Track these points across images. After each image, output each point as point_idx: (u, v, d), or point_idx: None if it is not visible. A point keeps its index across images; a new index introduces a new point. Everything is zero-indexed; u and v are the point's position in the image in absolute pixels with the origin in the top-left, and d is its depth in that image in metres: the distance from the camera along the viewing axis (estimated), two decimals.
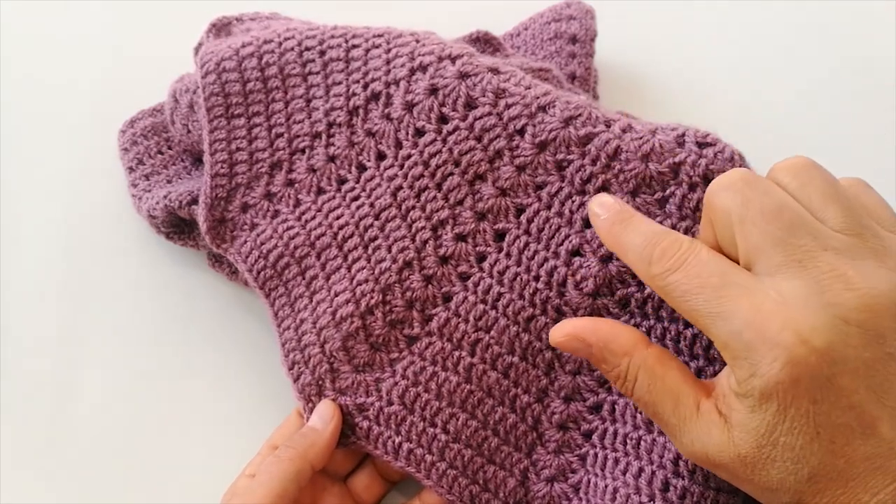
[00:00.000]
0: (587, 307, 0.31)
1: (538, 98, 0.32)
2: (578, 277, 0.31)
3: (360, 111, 0.35)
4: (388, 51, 0.35)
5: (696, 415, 0.24)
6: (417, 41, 0.34)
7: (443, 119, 0.33)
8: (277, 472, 0.30)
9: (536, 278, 0.32)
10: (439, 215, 0.33)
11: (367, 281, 0.33)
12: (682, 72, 0.46)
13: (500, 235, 0.33)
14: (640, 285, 0.30)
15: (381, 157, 0.34)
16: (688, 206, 0.30)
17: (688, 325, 0.30)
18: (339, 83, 0.35)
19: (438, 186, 0.33)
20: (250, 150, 0.36)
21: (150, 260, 0.40)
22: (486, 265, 0.33)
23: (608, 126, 0.32)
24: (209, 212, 0.36)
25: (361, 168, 0.35)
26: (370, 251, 0.34)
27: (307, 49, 0.36)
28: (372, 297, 0.33)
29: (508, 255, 0.32)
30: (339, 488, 0.34)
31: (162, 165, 0.41)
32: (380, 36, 0.35)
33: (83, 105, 0.44)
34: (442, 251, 0.33)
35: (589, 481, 0.31)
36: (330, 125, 0.35)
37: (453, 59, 0.33)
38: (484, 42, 0.41)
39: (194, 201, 0.37)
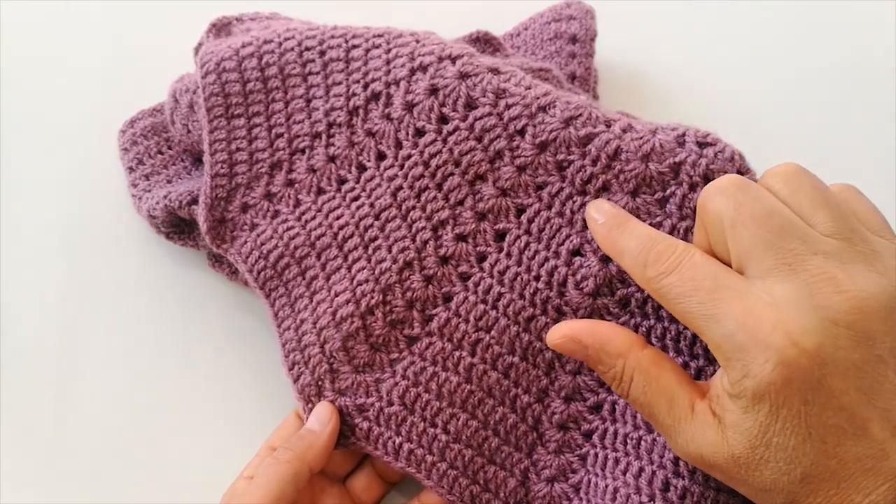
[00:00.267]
0: (587, 307, 0.31)
1: (538, 98, 0.32)
2: (579, 277, 0.31)
3: (360, 111, 0.35)
4: (389, 51, 0.35)
5: (690, 416, 0.24)
6: (417, 41, 0.34)
7: (443, 119, 0.33)
8: (275, 474, 0.30)
9: (537, 278, 0.32)
10: (440, 215, 0.33)
11: (367, 281, 0.33)
12: (682, 72, 0.46)
13: (500, 235, 0.33)
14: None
15: (381, 157, 0.34)
16: (688, 206, 0.30)
17: None
18: (339, 83, 0.35)
19: (439, 186, 0.33)
20: (250, 151, 0.36)
21: (150, 260, 0.40)
22: (486, 265, 0.33)
23: (608, 126, 0.32)
24: (209, 212, 0.36)
25: (361, 168, 0.35)
26: (370, 251, 0.34)
27: (307, 49, 0.36)
28: (372, 298, 0.33)
29: (509, 255, 0.32)
30: (338, 489, 0.34)
31: (162, 165, 0.41)
32: (380, 36, 0.35)
33: (83, 105, 0.44)
34: (442, 251, 0.33)
35: (589, 481, 0.31)
36: (330, 125, 0.35)
37: (453, 60, 0.33)
38: (484, 42, 0.41)
39: (194, 201, 0.37)
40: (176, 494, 0.36)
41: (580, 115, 0.32)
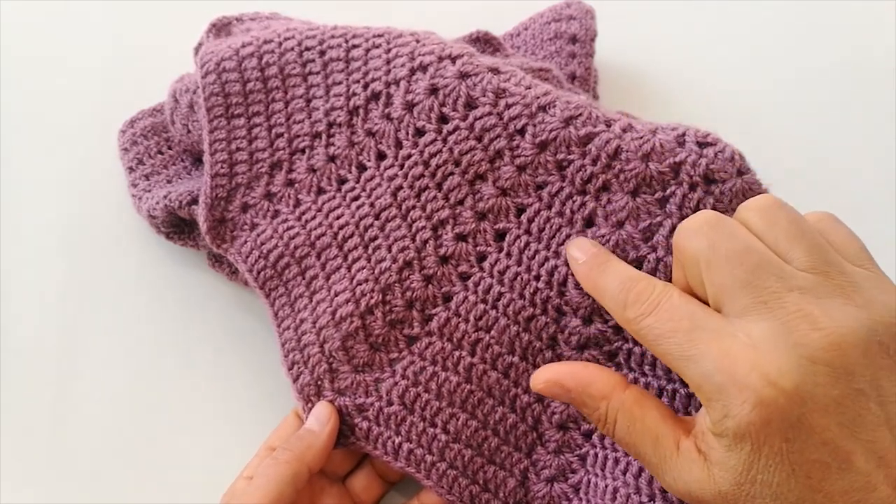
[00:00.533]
0: (587, 307, 0.31)
1: (538, 98, 0.32)
2: None
3: (361, 111, 0.35)
4: (389, 51, 0.35)
5: (676, 454, 0.25)
6: (417, 41, 0.34)
7: (443, 119, 0.33)
8: (274, 474, 0.30)
9: (537, 278, 0.32)
10: (440, 215, 0.33)
11: (366, 281, 0.33)
12: (682, 72, 0.46)
13: (500, 235, 0.33)
14: None
15: (381, 156, 0.34)
16: (688, 206, 0.30)
17: None
18: (340, 83, 0.35)
19: (439, 186, 0.33)
20: (250, 150, 0.36)
21: (150, 260, 0.41)
22: (486, 265, 0.33)
23: (608, 126, 0.32)
24: (209, 212, 0.36)
25: (361, 168, 0.35)
26: (370, 251, 0.34)
27: (307, 49, 0.36)
28: (372, 297, 0.33)
29: (509, 255, 0.32)
30: (338, 489, 0.34)
31: (162, 165, 0.41)
32: (380, 36, 0.35)
33: (83, 105, 0.44)
34: (442, 251, 0.33)
35: (589, 481, 0.31)
36: (330, 125, 0.35)
37: (453, 59, 0.33)
38: (484, 42, 0.41)
39: (194, 201, 0.37)
40: (176, 494, 0.36)
41: (580, 114, 0.32)
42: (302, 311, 0.34)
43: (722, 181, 0.30)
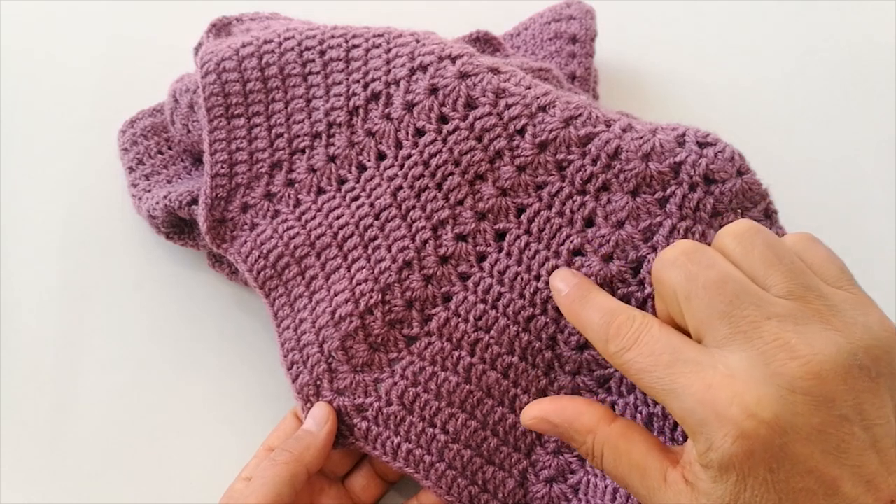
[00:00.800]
0: None
1: (538, 98, 0.32)
2: None
3: (361, 111, 0.35)
4: (389, 51, 0.35)
5: (663, 485, 0.25)
6: (417, 41, 0.34)
7: (443, 119, 0.33)
8: (272, 475, 0.30)
9: (537, 278, 0.32)
10: (439, 215, 0.33)
11: (366, 280, 0.33)
12: (682, 72, 0.46)
13: (500, 235, 0.33)
14: (640, 284, 0.30)
15: (381, 156, 0.34)
16: (688, 206, 0.30)
17: None
18: (340, 83, 0.35)
19: (439, 186, 0.33)
20: (250, 150, 0.36)
21: (150, 260, 0.41)
22: (486, 265, 0.33)
23: (608, 126, 0.32)
24: (209, 212, 0.36)
25: (361, 168, 0.35)
26: (370, 251, 0.34)
27: (307, 49, 0.36)
28: (371, 297, 0.33)
29: (509, 255, 0.32)
30: (337, 489, 0.34)
31: (162, 165, 0.41)
32: (380, 36, 0.35)
33: (83, 105, 0.44)
34: (442, 251, 0.33)
35: (588, 482, 0.31)
36: (330, 125, 0.35)
37: (453, 59, 0.33)
38: (484, 42, 0.41)
39: (194, 201, 0.37)
40: (175, 494, 0.36)
41: (580, 114, 0.32)
42: (302, 310, 0.34)
43: (722, 181, 0.30)
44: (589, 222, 0.32)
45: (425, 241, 0.33)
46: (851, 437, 0.22)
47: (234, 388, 0.38)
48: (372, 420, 0.32)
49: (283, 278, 0.35)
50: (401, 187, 0.34)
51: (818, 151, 0.44)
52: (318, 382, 0.33)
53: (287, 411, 0.36)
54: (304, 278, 0.35)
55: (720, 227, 0.30)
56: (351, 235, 0.34)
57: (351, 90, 0.35)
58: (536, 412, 0.28)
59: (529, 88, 0.33)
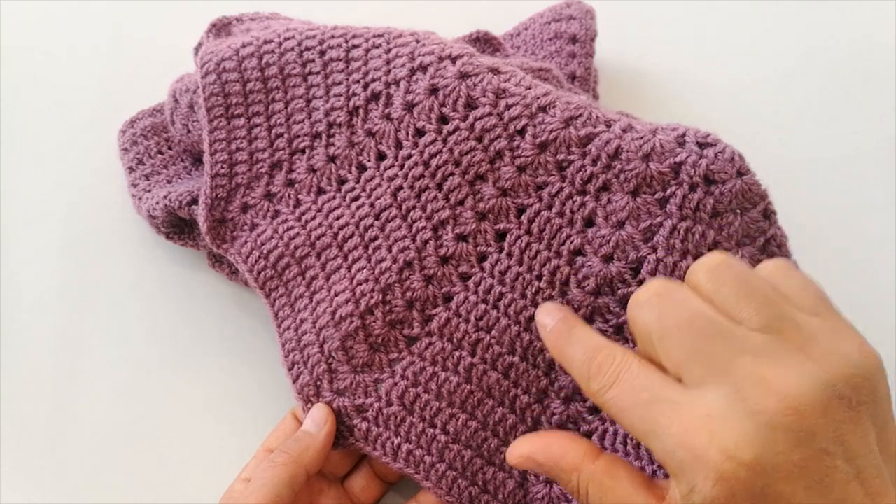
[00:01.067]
0: (589, 305, 0.31)
1: (539, 98, 0.32)
2: (581, 276, 0.31)
3: (360, 111, 0.35)
4: (389, 51, 0.35)
5: None
6: (417, 41, 0.34)
7: (443, 119, 0.33)
8: (271, 477, 0.30)
9: (539, 277, 0.32)
10: (440, 215, 0.33)
11: (367, 281, 0.33)
12: (682, 72, 0.46)
13: (501, 235, 0.33)
14: (641, 285, 0.30)
15: (381, 157, 0.34)
16: (688, 207, 0.30)
17: None
18: (339, 83, 0.35)
19: (439, 186, 0.33)
20: (250, 151, 0.36)
21: (150, 260, 0.41)
22: (486, 265, 0.33)
23: (609, 126, 0.32)
24: (209, 212, 0.36)
25: (361, 168, 0.35)
26: (370, 251, 0.34)
27: (307, 49, 0.36)
28: (372, 297, 0.33)
29: (510, 255, 0.32)
30: (336, 490, 0.34)
31: (162, 165, 0.41)
32: (380, 36, 0.35)
33: (83, 105, 0.44)
34: (442, 251, 0.33)
35: None
36: (330, 125, 0.35)
37: (454, 60, 0.33)
38: (484, 42, 0.41)
39: (194, 201, 0.37)
40: (175, 495, 0.36)
41: (580, 114, 0.32)
42: (302, 311, 0.34)
43: (722, 182, 0.30)
44: (589, 222, 0.32)
45: (426, 242, 0.33)
46: (834, 470, 0.22)
47: (234, 388, 0.38)
48: (372, 421, 0.32)
49: (283, 278, 0.35)
50: (401, 187, 0.34)
51: (818, 151, 0.44)
52: (319, 383, 0.33)
53: (286, 412, 0.36)
54: (304, 278, 0.35)
55: (720, 227, 0.30)
56: (351, 236, 0.34)
57: (351, 90, 0.35)
58: (522, 451, 0.28)
59: (530, 89, 0.33)
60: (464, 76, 0.33)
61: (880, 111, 0.45)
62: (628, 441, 0.30)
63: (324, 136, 0.35)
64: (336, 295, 0.34)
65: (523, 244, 0.32)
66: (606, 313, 0.31)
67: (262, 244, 0.35)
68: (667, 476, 0.25)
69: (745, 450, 0.21)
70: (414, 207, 0.33)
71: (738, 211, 0.30)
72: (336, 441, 0.33)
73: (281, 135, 0.36)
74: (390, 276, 0.33)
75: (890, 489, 0.22)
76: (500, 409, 0.32)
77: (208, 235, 0.36)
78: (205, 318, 0.39)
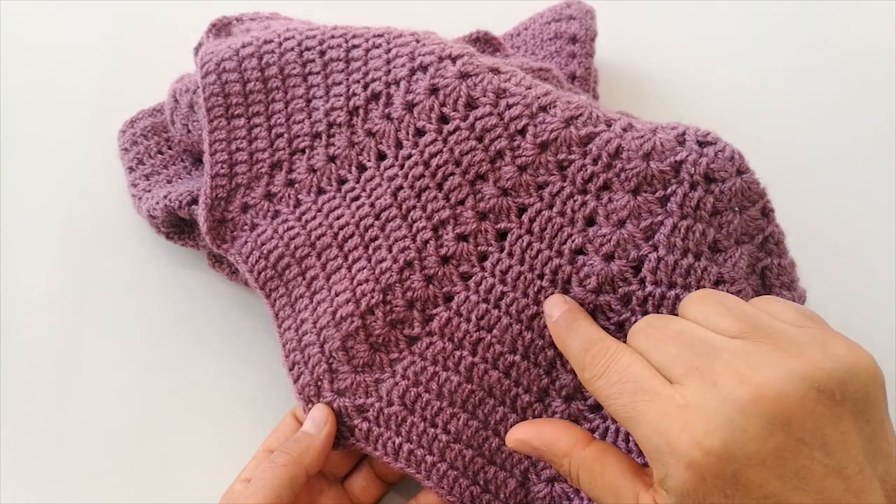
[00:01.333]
0: (590, 303, 0.31)
1: (539, 98, 0.32)
2: (582, 275, 0.31)
3: (361, 111, 0.35)
4: (389, 51, 0.35)
5: None
6: (418, 41, 0.34)
7: (443, 119, 0.33)
8: (271, 477, 0.30)
9: (541, 276, 0.32)
10: (440, 215, 0.33)
11: (367, 281, 0.33)
12: (682, 72, 0.46)
13: (501, 235, 0.33)
14: (642, 283, 0.30)
15: (381, 157, 0.34)
16: (689, 205, 0.30)
17: None
18: (340, 83, 0.35)
19: (439, 186, 0.33)
20: (250, 151, 0.36)
21: (150, 260, 0.40)
22: (487, 265, 0.33)
23: (609, 125, 0.32)
24: (209, 212, 0.36)
25: (362, 168, 0.35)
26: (371, 251, 0.34)
27: (307, 49, 0.36)
28: (372, 297, 0.33)
29: (511, 255, 0.32)
30: (337, 490, 0.34)
31: (162, 165, 0.41)
32: (380, 36, 0.35)
33: (83, 105, 0.44)
34: (443, 251, 0.33)
35: None
36: (330, 125, 0.35)
37: (454, 59, 0.33)
38: (484, 42, 0.41)
39: (194, 201, 0.37)
40: (174, 495, 0.36)
41: (581, 114, 0.32)
42: (303, 311, 0.34)
43: (722, 180, 0.30)
44: (590, 221, 0.32)
45: (426, 241, 0.33)
46: (812, 461, 0.22)
47: (234, 388, 0.38)
48: (373, 421, 0.32)
49: (283, 279, 0.35)
50: (401, 187, 0.34)
51: (817, 150, 0.44)
52: (319, 383, 0.33)
53: (286, 412, 0.36)
54: (304, 278, 0.35)
55: (719, 225, 0.30)
56: (351, 236, 0.34)
57: (351, 90, 0.35)
58: (519, 435, 0.29)
59: (530, 88, 0.33)
60: (464, 76, 0.33)
61: (880, 111, 0.45)
62: (630, 438, 0.30)
63: (324, 136, 0.35)
64: (336, 295, 0.34)
65: (524, 243, 0.32)
66: (608, 311, 0.31)
67: (263, 244, 0.35)
68: None
69: (714, 437, 0.22)
70: (414, 207, 0.33)
71: (738, 209, 0.30)
72: (337, 441, 0.33)
73: (281, 135, 0.36)
74: (391, 275, 0.33)
75: (874, 486, 0.22)
76: (501, 409, 0.32)
77: (208, 235, 0.36)
78: (205, 318, 0.39)
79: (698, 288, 0.30)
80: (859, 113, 0.45)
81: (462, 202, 0.33)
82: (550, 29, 0.43)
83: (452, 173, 0.33)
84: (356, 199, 0.35)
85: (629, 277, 0.31)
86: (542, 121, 0.32)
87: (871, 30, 0.48)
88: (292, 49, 0.36)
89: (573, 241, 0.32)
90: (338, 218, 0.35)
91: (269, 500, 0.30)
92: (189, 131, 0.39)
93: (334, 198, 0.35)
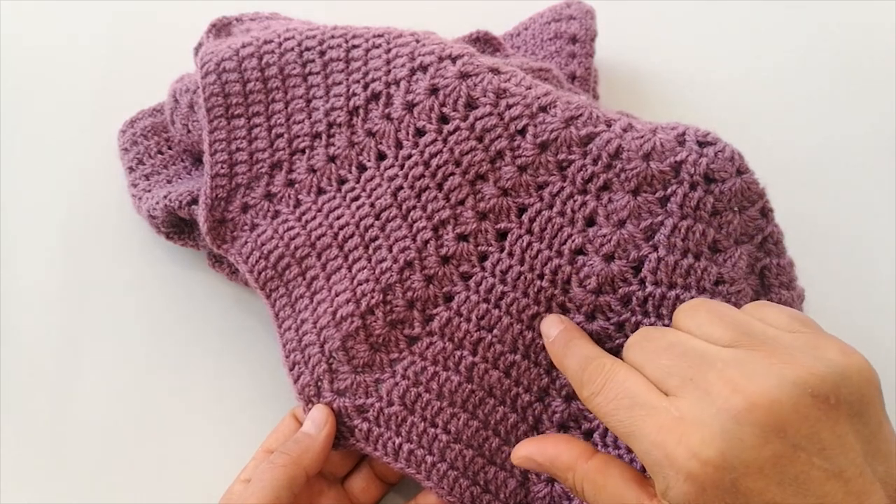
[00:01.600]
0: (591, 303, 0.31)
1: (539, 98, 0.32)
2: (582, 275, 0.31)
3: (361, 111, 0.35)
4: (389, 51, 0.35)
5: None
6: (418, 41, 0.34)
7: (443, 119, 0.33)
8: (271, 478, 0.30)
9: (541, 277, 0.32)
10: (440, 215, 0.33)
11: (367, 281, 0.33)
12: (682, 72, 0.46)
13: (502, 235, 0.33)
14: (642, 283, 0.30)
15: (381, 157, 0.34)
16: (689, 205, 0.30)
17: None
18: (340, 83, 0.35)
19: (439, 186, 0.33)
20: (250, 151, 0.36)
21: (150, 260, 0.40)
22: (488, 264, 0.33)
23: (609, 126, 0.32)
24: (209, 212, 0.36)
25: (362, 168, 0.35)
26: (371, 251, 0.34)
27: (307, 49, 0.36)
28: (373, 297, 0.33)
29: (511, 255, 0.32)
30: (336, 491, 0.34)
31: (162, 165, 0.41)
32: (380, 36, 0.35)
33: (83, 105, 0.44)
34: (443, 251, 0.33)
35: None
36: (330, 125, 0.35)
37: (454, 59, 0.33)
38: (484, 42, 0.41)
39: (194, 201, 0.37)
40: (174, 495, 0.36)
41: (581, 114, 0.32)
42: (303, 311, 0.34)
43: (722, 180, 0.30)
44: (590, 222, 0.32)
45: (426, 241, 0.33)
46: (810, 467, 0.22)
47: (234, 388, 0.38)
48: (373, 421, 0.32)
49: (283, 279, 0.35)
50: (401, 187, 0.34)
51: (817, 151, 0.44)
52: (320, 383, 0.33)
53: (286, 412, 0.36)
54: (304, 279, 0.35)
55: (719, 225, 0.30)
56: (351, 236, 0.34)
57: (351, 90, 0.35)
58: (523, 452, 0.30)
59: (530, 88, 0.33)
60: (464, 76, 0.33)
61: (880, 110, 0.46)
62: None
63: (324, 136, 0.35)
64: (337, 295, 0.34)
65: (524, 243, 0.32)
66: (608, 311, 0.31)
67: (263, 244, 0.35)
68: None
69: (710, 447, 0.22)
70: (414, 207, 0.33)
71: (737, 209, 0.30)
72: (337, 441, 0.33)
73: (281, 135, 0.36)
74: (391, 275, 0.33)
75: (875, 487, 0.22)
76: (501, 409, 0.32)
77: (208, 235, 0.36)
78: (205, 318, 0.39)
79: (698, 288, 0.30)
80: (859, 113, 0.45)
81: (462, 202, 0.33)
82: (550, 29, 0.43)
83: (452, 173, 0.33)
84: (356, 199, 0.35)
85: (629, 278, 0.31)
86: (543, 121, 0.32)
87: (871, 29, 0.48)
88: (292, 49, 0.36)
89: (573, 242, 0.32)
90: (338, 218, 0.35)
91: (269, 500, 0.30)
92: (189, 131, 0.39)
93: (334, 198, 0.35)
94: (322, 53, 0.36)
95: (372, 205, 0.34)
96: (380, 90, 0.34)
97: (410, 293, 0.33)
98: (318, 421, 0.32)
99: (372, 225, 0.34)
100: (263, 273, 0.35)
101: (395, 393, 0.32)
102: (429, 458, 0.32)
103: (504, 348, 0.32)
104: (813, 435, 0.22)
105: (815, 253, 0.36)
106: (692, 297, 0.30)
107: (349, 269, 0.34)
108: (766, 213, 0.31)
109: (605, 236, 0.31)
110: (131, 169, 0.41)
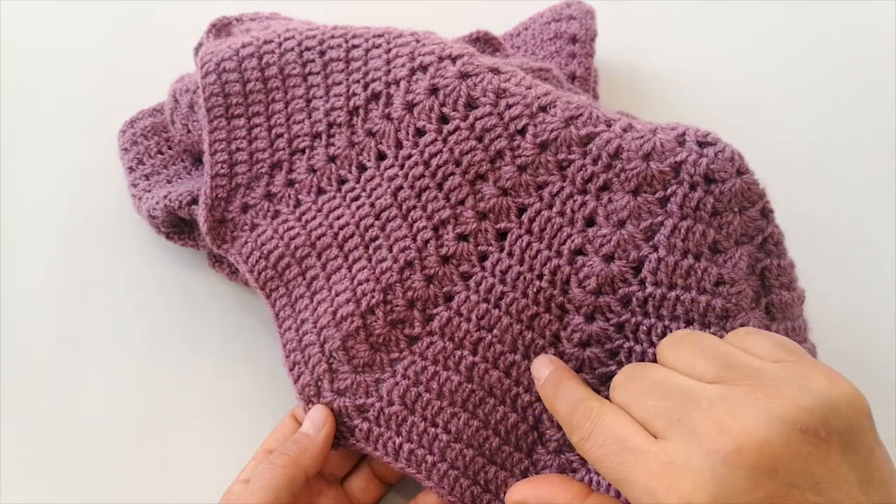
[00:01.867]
0: (590, 304, 0.31)
1: (539, 98, 0.32)
2: (581, 276, 0.31)
3: (361, 111, 0.35)
4: (389, 51, 0.35)
5: None
6: (418, 41, 0.34)
7: (443, 119, 0.33)
8: (270, 478, 0.30)
9: (540, 277, 0.32)
10: (440, 215, 0.33)
11: (367, 280, 0.33)
12: (682, 72, 0.46)
13: (501, 235, 0.33)
14: (642, 283, 0.30)
15: (381, 157, 0.34)
16: (689, 206, 0.30)
17: (689, 322, 0.30)
18: (340, 83, 0.35)
19: (439, 186, 0.33)
20: (250, 151, 0.36)
21: (150, 260, 0.40)
22: (487, 264, 0.33)
23: (609, 126, 0.32)
24: (209, 212, 0.36)
25: (362, 168, 0.35)
26: (371, 251, 0.34)
27: (307, 49, 0.36)
28: (373, 297, 0.33)
29: (511, 255, 0.32)
30: (336, 491, 0.34)
31: (162, 165, 0.41)
32: (380, 36, 0.35)
33: (83, 105, 0.44)
34: (443, 251, 0.33)
35: (590, 480, 0.31)
36: (330, 125, 0.35)
37: (454, 59, 0.33)
38: (484, 42, 0.41)
39: (194, 201, 0.37)
40: (174, 495, 0.36)
41: (581, 114, 0.32)
42: (303, 311, 0.34)
43: (722, 181, 0.30)
44: (590, 222, 0.32)
45: (426, 241, 0.33)
46: (805, 503, 0.22)
47: (234, 388, 0.38)
48: (373, 421, 0.32)
49: (283, 279, 0.35)
50: (401, 187, 0.34)
51: (817, 151, 0.44)
52: (320, 383, 0.33)
53: (286, 412, 0.36)
54: (304, 278, 0.35)
55: (719, 226, 0.30)
56: (351, 235, 0.34)
57: (351, 90, 0.35)
58: (518, 496, 0.30)
59: (530, 88, 0.33)
60: (464, 76, 0.33)
61: (880, 110, 0.46)
62: None
63: (324, 136, 0.35)
64: (337, 295, 0.34)
65: (524, 243, 0.32)
66: (608, 312, 0.31)
67: (263, 244, 0.35)
68: None
69: (701, 494, 0.22)
70: (414, 207, 0.33)
71: (738, 210, 0.30)
72: (337, 441, 0.33)
73: (281, 135, 0.36)
74: (391, 275, 0.33)
75: None
76: (501, 408, 0.32)
77: (208, 235, 0.36)
78: (205, 318, 0.39)
79: (699, 289, 0.30)
80: (859, 113, 0.45)
81: (462, 202, 0.33)
82: (550, 29, 0.43)
83: (452, 173, 0.33)
84: (356, 199, 0.35)
85: (629, 278, 0.31)
86: (542, 121, 0.32)
87: (871, 29, 0.48)
88: (292, 49, 0.36)
89: (573, 242, 0.32)
90: (338, 218, 0.35)
91: (268, 501, 0.30)
92: (189, 131, 0.39)
93: (334, 198, 0.35)
94: (322, 53, 0.36)
95: (372, 205, 0.34)
96: (380, 90, 0.34)
97: (411, 293, 0.33)
98: (317, 421, 0.32)
99: (372, 225, 0.34)
100: (263, 273, 0.35)
101: (396, 393, 0.32)
102: (429, 458, 0.32)
103: (504, 348, 0.32)
104: (805, 471, 0.22)
105: (815, 253, 0.36)
106: (692, 298, 0.30)
107: (349, 268, 0.34)
108: (766, 213, 0.31)
109: (604, 236, 0.31)
110: (131, 169, 0.41)
